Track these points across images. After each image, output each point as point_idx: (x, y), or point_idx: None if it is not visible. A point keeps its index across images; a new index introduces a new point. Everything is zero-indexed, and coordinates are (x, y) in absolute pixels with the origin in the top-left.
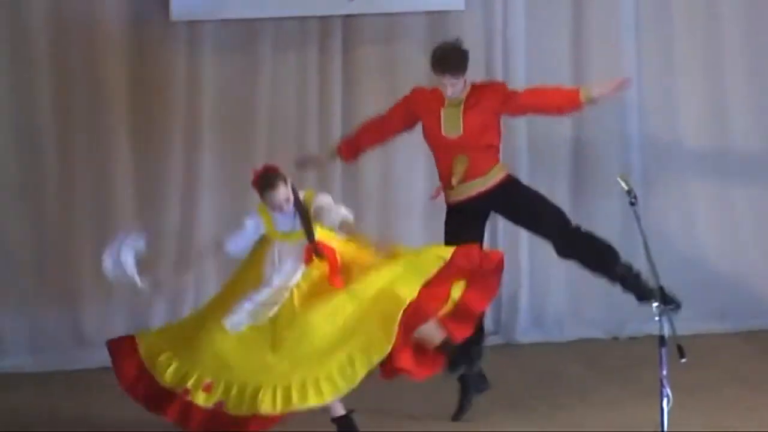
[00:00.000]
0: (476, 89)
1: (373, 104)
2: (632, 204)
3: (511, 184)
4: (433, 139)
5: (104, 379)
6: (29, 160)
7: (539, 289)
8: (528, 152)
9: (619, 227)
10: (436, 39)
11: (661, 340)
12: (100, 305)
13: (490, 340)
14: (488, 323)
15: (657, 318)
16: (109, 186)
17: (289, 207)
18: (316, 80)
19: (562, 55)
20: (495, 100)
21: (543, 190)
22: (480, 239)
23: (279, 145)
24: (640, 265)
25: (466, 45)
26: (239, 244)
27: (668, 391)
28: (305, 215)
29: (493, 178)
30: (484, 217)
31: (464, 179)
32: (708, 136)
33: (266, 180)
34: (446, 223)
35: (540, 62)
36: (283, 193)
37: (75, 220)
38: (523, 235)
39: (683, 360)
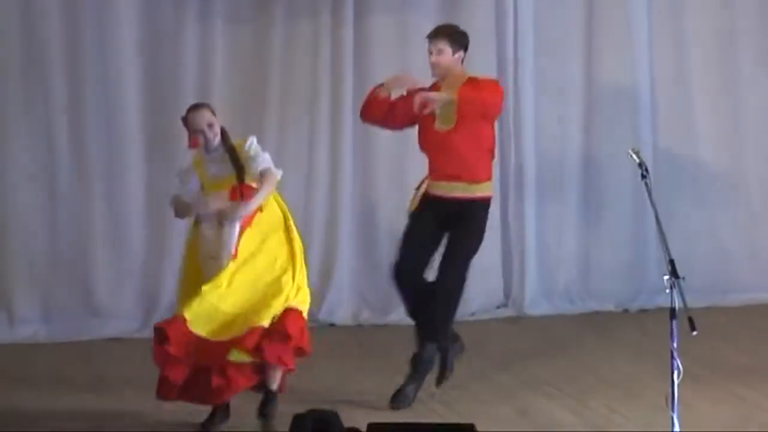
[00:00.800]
0: (472, 81)
1: (384, 73)
2: (643, 177)
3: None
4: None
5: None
6: (41, 140)
7: (549, 261)
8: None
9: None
10: (447, 10)
11: (672, 313)
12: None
13: (500, 312)
14: (499, 296)
15: (668, 291)
16: (120, 156)
17: (215, 139)
18: (328, 48)
19: (573, 29)
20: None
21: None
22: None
23: (291, 112)
24: (652, 239)
25: (478, 17)
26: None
27: (679, 363)
28: (233, 153)
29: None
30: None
31: (450, 178)
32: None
33: (193, 105)
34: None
35: (549, 34)
36: (207, 116)
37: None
38: (530, 208)
39: (694, 333)
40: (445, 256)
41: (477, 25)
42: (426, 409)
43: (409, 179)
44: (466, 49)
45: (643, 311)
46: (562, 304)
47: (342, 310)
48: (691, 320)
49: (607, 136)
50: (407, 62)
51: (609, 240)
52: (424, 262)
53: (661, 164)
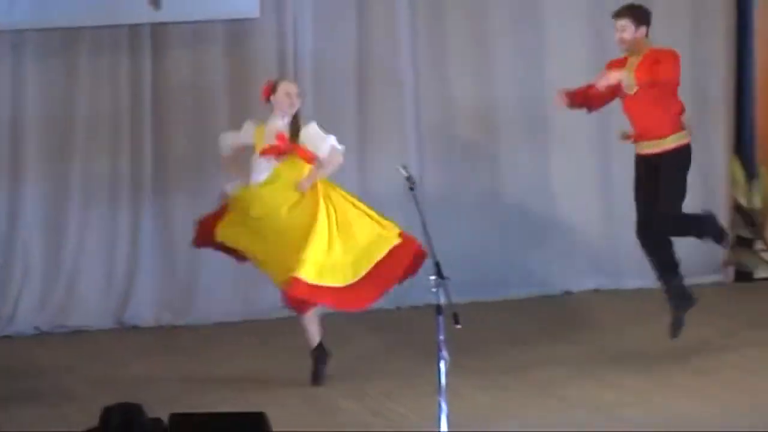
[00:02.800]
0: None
1: (182, 107)
2: (411, 189)
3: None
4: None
5: None
6: None
7: None
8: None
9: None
10: (237, 44)
11: (438, 309)
12: None
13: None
14: None
15: (434, 290)
16: None
17: (293, 108)
18: (128, 84)
19: (347, 59)
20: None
21: None
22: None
23: (95, 143)
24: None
25: (262, 50)
26: (230, 138)
27: (445, 353)
28: (296, 123)
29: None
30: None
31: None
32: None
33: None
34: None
35: (327, 62)
36: (294, 87)
37: None
38: None
39: (458, 326)
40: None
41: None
42: (218, 398)
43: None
44: (648, 24)
45: (414, 308)
46: None
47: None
48: (455, 315)
49: (378, 155)
50: (202, 94)
51: None
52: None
53: (429, 175)
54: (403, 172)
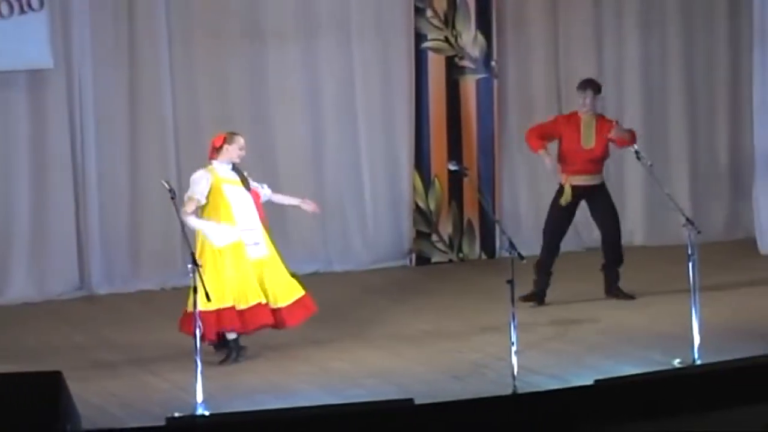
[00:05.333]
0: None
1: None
2: (172, 198)
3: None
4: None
5: None
6: None
7: None
8: None
9: None
10: (39, 88)
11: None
12: None
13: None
14: (75, 281)
15: None
16: None
17: (240, 159)
18: None
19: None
20: None
21: None
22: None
23: None
24: None
25: (56, 96)
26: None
27: None
28: (240, 171)
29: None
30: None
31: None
32: None
33: (234, 132)
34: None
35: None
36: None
37: None
38: None
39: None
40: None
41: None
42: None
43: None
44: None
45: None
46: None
47: None
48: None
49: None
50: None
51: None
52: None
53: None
54: (166, 185)
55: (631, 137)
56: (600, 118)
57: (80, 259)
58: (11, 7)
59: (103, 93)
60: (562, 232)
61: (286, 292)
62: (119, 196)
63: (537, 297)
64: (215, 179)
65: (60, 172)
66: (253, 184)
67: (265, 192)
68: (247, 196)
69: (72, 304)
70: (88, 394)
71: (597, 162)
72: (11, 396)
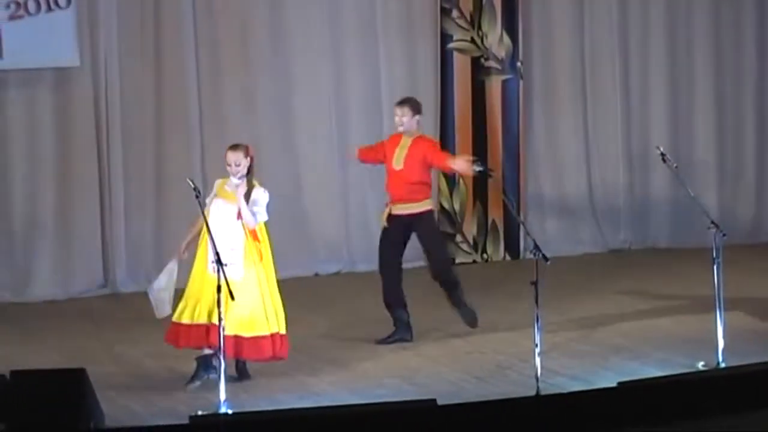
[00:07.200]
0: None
1: (22, 142)
2: (197, 197)
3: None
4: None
5: None
6: None
7: None
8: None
9: None
10: (65, 86)
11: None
12: None
13: (100, 291)
14: (100, 279)
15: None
16: None
17: (237, 172)
18: None
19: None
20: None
21: None
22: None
23: None
24: None
25: (82, 94)
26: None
27: None
28: (248, 185)
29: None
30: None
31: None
32: None
33: (235, 143)
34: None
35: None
36: (232, 156)
37: None
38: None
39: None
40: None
41: None
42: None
43: None
44: (421, 113)
45: None
46: None
47: None
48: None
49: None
50: (35, 123)
51: None
52: None
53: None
54: (191, 184)
55: (439, 159)
56: (417, 139)
57: (105, 258)
58: (39, 4)
59: (128, 91)
60: (396, 263)
61: (248, 323)
62: (144, 194)
63: (401, 334)
64: (216, 191)
65: (85, 170)
66: (244, 209)
67: (247, 219)
68: (231, 213)
69: (96, 302)
70: (111, 391)
71: (412, 186)
72: (36, 393)
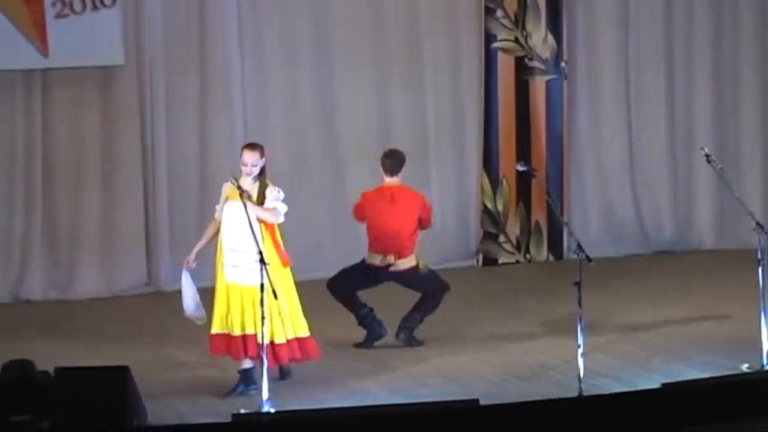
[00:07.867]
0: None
1: (67, 140)
2: (240, 196)
3: None
4: None
5: None
6: None
7: None
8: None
9: None
10: (110, 84)
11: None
12: None
13: (144, 289)
14: (144, 277)
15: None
16: None
17: (252, 172)
18: (23, 120)
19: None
20: None
21: None
22: None
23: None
24: None
25: (127, 93)
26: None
27: None
28: (260, 186)
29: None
30: None
31: None
32: None
33: (251, 143)
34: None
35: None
36: (249, 157)
37: None
38: None
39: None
40: None
41: None
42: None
43: None
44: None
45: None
46: None
47: None
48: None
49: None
50: (82, 126)
51: None
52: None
53: None
54: (234, 183)
55: None
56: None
57: (149, 256)
58: (84, 3)
59: (173, 90)
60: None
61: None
62: (188, 193)
63: (376, 332)
64: (228, 194)
65: (130, 169)
66: (258, 210)
67: (265, 216)
68: (243, 216)
69: (140, 300)
70: (154, 389)
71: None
72: (80, 390)
